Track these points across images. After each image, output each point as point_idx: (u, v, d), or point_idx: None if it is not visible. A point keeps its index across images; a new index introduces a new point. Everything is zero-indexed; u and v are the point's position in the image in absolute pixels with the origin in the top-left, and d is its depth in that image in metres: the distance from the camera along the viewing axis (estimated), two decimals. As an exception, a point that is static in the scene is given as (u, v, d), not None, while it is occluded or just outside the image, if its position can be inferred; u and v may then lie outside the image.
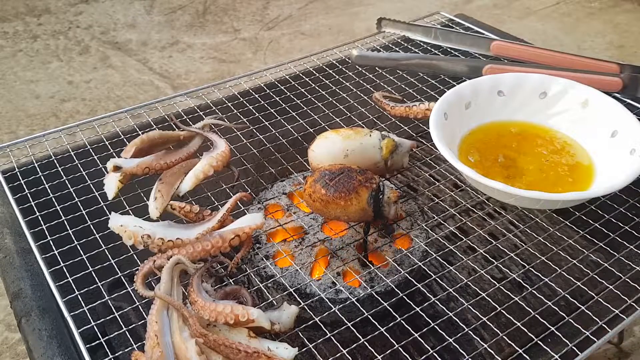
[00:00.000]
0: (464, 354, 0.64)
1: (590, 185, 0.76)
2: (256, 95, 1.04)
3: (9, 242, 0.80)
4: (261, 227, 0.71)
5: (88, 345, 0.61)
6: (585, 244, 0.77)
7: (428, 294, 0.69)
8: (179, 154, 0.85)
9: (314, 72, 1.10)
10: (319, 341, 0.63)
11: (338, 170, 0.73)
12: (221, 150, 0.84)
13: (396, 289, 0.70)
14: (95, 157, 0.88)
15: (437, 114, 0.79)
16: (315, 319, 0.65)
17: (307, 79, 1.07)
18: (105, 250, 0.72)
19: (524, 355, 0.63)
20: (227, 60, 2.45)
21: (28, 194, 0.81)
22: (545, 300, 0.67)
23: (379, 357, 0.60)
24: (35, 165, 0.87)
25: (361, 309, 0.69)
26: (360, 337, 0.63)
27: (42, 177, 0.84)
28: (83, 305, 0.66)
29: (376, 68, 1.09)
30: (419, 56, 1.08)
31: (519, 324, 0.65)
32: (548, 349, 0.63)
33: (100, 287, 0.68)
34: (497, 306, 0.67)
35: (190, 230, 0.73)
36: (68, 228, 0.75)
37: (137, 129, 0.94)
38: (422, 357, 0.64)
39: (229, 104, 1.01)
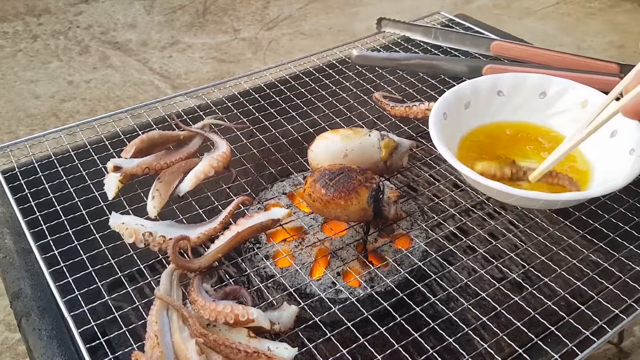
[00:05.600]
0: (464, 354, 0.64)
1: (589, 186, 0.76)
2: (256, 95, 1.04)
3: (9, 242, 0.80)
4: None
5: (88, 345, 0.61)
6: (585, 244, 0.77)
7: (428, 294, 0.69)
8: (179, 154, 0.85)
9: (314, 72, 1.10)
10: (319, 341, 0.63)
11: (338, 170, 0.73)
12: (222, 151, 0.84)
13: (396, 289, 0.70)
14: (95, 157, 0.88)
15: (436, 113, 0.79)
16: (315, 319, 0.65)
17: (307, 79, 1.08)
18: (105, 250, 0.72)
19: (524, 355, 0.63)
20: (227, 60, 2.45)
21: (28, 194, 0.81)
22: (545, 300, 0.67)
23: (379, 357, 0.60)
24: (35, 165, 0.87)
25: (361, 309, 0.69)
26: (360, 337, 0.63)
27: (42, 177, 0.84)
28: (83, 305, 0.66)
29: (376, 68, 1.09)
30: (419, 56, 1.08)
31: (519, 324, 0.65)
32: (548, 349, 0.63)
33: (100, 287, 0.68)
34: (497, 306, 0.67)
35: (193, 230, 0.73)
36: (68, 228, 0.75)
37: (137, 129, 0.94)
38: (422, 357, 0.64)
39: (229, 104, 1.01)
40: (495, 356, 0.61)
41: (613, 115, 0.65)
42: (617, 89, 0.67)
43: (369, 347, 0.61)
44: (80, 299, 0.66)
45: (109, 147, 0.89)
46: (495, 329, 0.64)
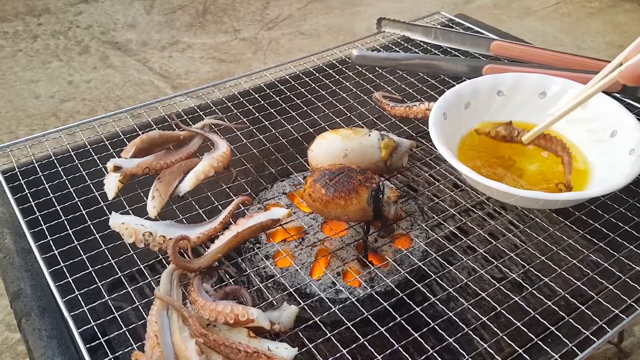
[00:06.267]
0: (464, 354, 0.64)
1: (589, 186, 0.76)
2: (256, 95, 1.04)
3: (9, 242, 0.80)
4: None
5: (88, 345, 0.61)
6: (585, 244, 0.77)
7: (428, 294, 0.69)
8: (179, 154, 0.85)
9: (314, 72, 1.10)
10: (319, 341, 0.63)
11: (338, 170, 0.73)
12: (222, 151, 0.84)
13: (396, 289, 0.70)
14: (95, 157, 0.88)
15: (436, 113, 0.79)
16: (315, 319, 0.65)
17: (307, 79, 1.08)
18: (105, 250, 0.72)
19: (524, 355, 0.63)
20: (227, 60, 2.45)
21: (28, 194, 0.81)
22: (545, 300, 0.67)
23: (379, 357, 0.60)
24: (35, 165, 0.87)
25: (361, 309, 0.69)
26: (360, 337, 0.63)
27: (42, 177, 0.84)
28: (83, 305, 0.66)
29: (376, 68, 1.09)
30: (419, 56, 1.08)
31: (519, 324, 0.65)
32: (548, 349, 0.63)
33: (100, 287, 0.68)
34: (497, 306, 0.67)
35: (193, 230, 0.73)
36: (68, 228, 0.75)
37: (137, 129, 0.94)
38: (422, 357, 0.64)
39: (229, 104, 1.01)
40: (495, 356, 0.61)
41: (611, 82, 0.67)
42: (617, 59, 0.70)
43: (369, 347, 0.61)
44: (80, 299, 0.66)
45: (109, 147, 0.89)
46: (495, 329, 0.64)
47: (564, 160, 0.74)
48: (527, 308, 0.68)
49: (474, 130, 0.79)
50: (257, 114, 0.99)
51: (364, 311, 0.67)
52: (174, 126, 0.92)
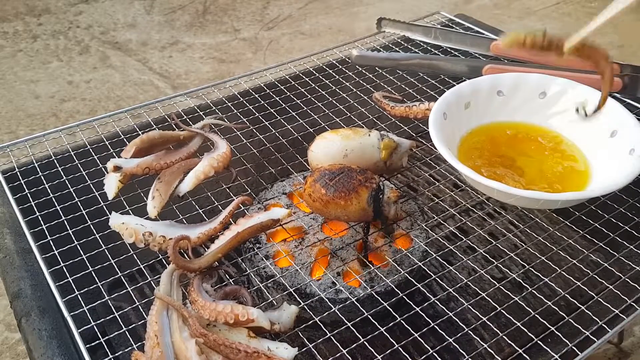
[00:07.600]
0: (464, 354, 0.64)
1: (589, 186, 0.76)
2: (256, 95, 1.04)
3: (9, 242, 0.80)
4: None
5: (88, 345, 0.61)
6: (585, 244, 0.77)
7: (428, 294, 0.69)
8: (179, 154, 0.85)
9: (314, 72, 1.10)
10: (319, 341, 0.63)
11: (338, 170, 0.73)
12: (222, 151, 0.84)
13: (396, 289, 0.70)
14: (95, 157, 0.88)
15: (436, 113, 0.79)
16: (315, 319, 0.65)
17: (307, 79, 1.08)
18: (105, 250, 0.72)
19: (524, 355, 0.63)
20: (227, 60, 2.45)
21: (28, 194, 0.81)
22: (545, 300, 0.67)
23: (379, 357, 0.60)
24: (35, 165, 0.87)
25: (361, 309, 0.69)
26: (360, 337, 0.63)
27: (42, 177, 0.84)
28: (83, 305, 0.66)
29: (376, 68, 1.09)
30: (419, 56, 1.08)
31: (519, 324, 0.65)
32: (548, 349, 0.63)
33: (100, 287, 0.68)
34: (497, 306, 0.67)
35: (193, 230, 0.73)
36: (68, 228, 0.75)
37: (137, 129, 0.94)
38: (422, 357, 0.64)
39: (229, 104, 1.01)
40: (495, 356, 0.61)
41: None
42: None
43: (369, 347, 0.61)
44: (80, 299, 0.66)
45: (109, 147, 0.89)
46: (495, 329, 0.64)
47: (605, 75, 0.66)
48: (527, 308, 0.68)
49: (501, 43, 0.69)
50: (257, 114, 0.99)
51: (364, 311, 0.67)
52: (174, 126, 0.92)
